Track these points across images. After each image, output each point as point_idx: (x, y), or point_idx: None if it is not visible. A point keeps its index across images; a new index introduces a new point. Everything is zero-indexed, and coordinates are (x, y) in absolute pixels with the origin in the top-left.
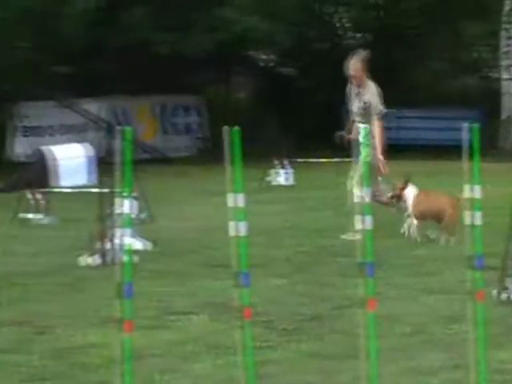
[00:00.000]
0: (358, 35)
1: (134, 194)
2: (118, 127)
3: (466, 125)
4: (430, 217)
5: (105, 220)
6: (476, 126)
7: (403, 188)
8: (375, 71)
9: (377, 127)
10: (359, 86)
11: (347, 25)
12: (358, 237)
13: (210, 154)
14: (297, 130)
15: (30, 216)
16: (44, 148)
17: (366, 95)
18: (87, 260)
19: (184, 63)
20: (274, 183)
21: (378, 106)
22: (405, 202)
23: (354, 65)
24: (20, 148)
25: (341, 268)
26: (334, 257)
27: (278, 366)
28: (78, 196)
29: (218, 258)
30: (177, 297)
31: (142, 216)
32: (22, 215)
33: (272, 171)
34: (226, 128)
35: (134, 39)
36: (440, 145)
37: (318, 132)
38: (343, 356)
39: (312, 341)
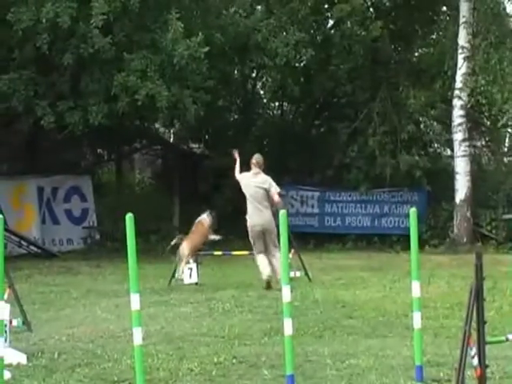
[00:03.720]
0: (276, 104)
1: (6, 297)
2: None
3: (413, 210)
4: None
5: None
6: (414, 210)
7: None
8: (294, 147)
9: None
10: None
11: (265, 92)
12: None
13: (99, 247)
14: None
15: None
16: None
17: None
18: None
19: (70, 138)
20: (185, 281)
21: None
22: None
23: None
24: None
25: (266, 382)
26: (257, 368)
27: None
28: None
29: (115, 372)
30: None
31: (16, 323)
32: None
33: (184, 267)
34: (129, 216)
35: (10, 111)
36: (377, 233)
37: (230, 219)
38: None
39: None
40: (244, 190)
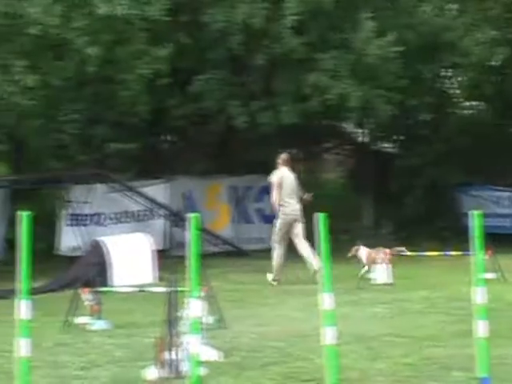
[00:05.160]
0: (471, 103)
1: (202, 294)
2: (184, 214)
3: None
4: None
5: (172, 325)
6: None
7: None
8: (487, 146)
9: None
10: None
11: (457, 91)
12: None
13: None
14: (397, 217)
15: (84, 320)
16: (101, 239)
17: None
18: (154, 373)
19: (262, 138)
20: (375, 281)
21: None
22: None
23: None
24: (68, 239)
25: None
26: (448, 370)
27: None
28: (135, 296)
29: (306, 371)
30: None
31: (211, 320)
32: (74, 319)
33: (376, 267)
34: (323, 215)
35: (204, 111)
36: None
37: (422, 219)
38: None
39: None
40: (285, 184)
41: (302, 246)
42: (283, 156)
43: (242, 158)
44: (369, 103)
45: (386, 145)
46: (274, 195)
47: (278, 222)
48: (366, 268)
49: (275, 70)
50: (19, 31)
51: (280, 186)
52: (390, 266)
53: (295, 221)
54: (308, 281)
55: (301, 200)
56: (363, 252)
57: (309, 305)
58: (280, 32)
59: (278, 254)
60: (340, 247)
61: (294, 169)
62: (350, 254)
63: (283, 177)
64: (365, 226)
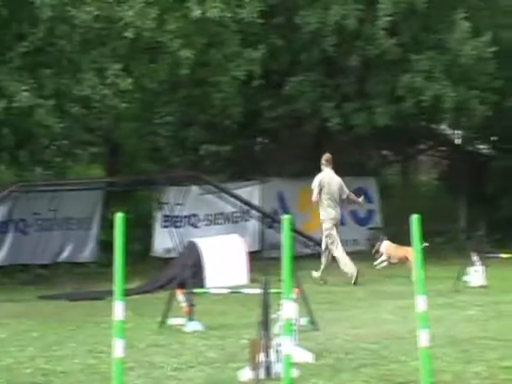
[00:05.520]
0: None
1: (294, 296)
2: (277, 216)
3: None
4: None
5: (267, 327)
6: None
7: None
8: None
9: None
10: None
11: None
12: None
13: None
14: (492, 219)
15: (179, 321)
16: (195, 241)
17: None
18: (247, 374)
19: (355, 140)
20: (471, 284)
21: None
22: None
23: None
24: (162, 241)
25: None
26: None
27: None
28: (228, 298)
29: (400, 374)
30: None
31: (304, 322)
32: (168, 321)
33: (470, 269)
34: (416, 217)
35: (297, 113)
36: None
37: None
38: None
39: None
40: (325, 187)
41: (326, 253)
42: (326, 156)
43: (335, 159)
44: (464, 104)
45: (481, 146)
46: (313, 198)
47: (324, 228)
48: (383, 258)
49: (369, 71)
50: (114, 35)
51: (320, 189)
52: (482, 267)
53: (336, 226)
54: (403, 282)
55: (345, 200)
56: (383, 246)
57: (402, 307)
58: (373, 33)
59: (338, 255)
60: (435, 249)
61: (336, 169)
62: (373, 250)
63: (323, 179)
64: (459, 228)
